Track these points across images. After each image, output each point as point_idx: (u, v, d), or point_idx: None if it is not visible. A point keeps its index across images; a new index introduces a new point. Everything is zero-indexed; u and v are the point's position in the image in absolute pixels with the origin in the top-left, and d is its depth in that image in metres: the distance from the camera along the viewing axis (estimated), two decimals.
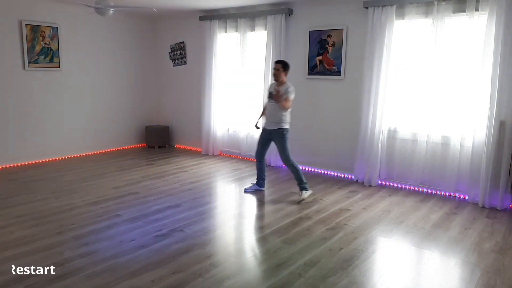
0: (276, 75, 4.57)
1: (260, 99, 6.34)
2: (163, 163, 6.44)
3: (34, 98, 6.19)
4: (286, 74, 4.59)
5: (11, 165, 6.01)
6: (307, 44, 5.89)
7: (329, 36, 5.68)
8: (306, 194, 4.65)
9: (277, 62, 4.59)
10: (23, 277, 2.81)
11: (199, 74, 7.10)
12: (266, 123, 4.74)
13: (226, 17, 6.53)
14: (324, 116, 5.90)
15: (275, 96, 4.45)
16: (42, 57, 6.20)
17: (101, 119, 7.14)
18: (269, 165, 6.33)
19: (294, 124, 6.17)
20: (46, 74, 6.30)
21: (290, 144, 6.25)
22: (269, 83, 6.16)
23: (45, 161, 6.38)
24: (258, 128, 4.91)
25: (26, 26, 5.95)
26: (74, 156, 6.74)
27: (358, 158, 5.46)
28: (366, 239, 3.59)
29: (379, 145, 5.27)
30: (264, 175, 4.98)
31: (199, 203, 4.46)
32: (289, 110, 4.60)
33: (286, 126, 4.64)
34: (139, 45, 7.57)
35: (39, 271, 2.87)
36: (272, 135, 4.68)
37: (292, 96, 4.52)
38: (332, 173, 5.90)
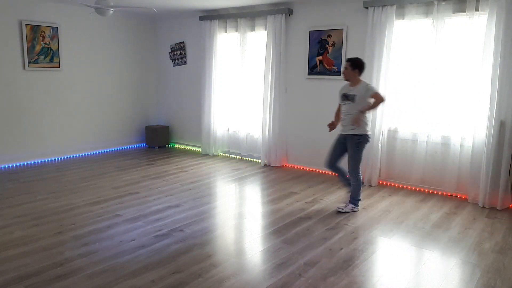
0: (345, 75, 4.13)
1: (260, 99, 6.35)
2: (163, 163, 6.44)
3: (34, 98, 6.19)
4: (358, 73, 4.08)
5: (11, 165, 6.01)
6: (307, 44, 5.89)
7: (329, 36, 5.68)
8: (349, 208, 4.27)
9: (347, 60, 4.15)
10: (23, 277, 2.81)
11: (199, 74, 7.10)
12: (342, 128, 4.23)
13: (226, 17, 6.53)
14: (324, 116, 5.87)
15: (355, 122, 4.03)
16: (42, 57, 6.19)
17: (101, 119, 7.14)
18: (269, 165, 6.33)
19: (295, 124, 6.20)
20: (46, 74, 6.30)
21: (293, 144, 6.30)
22: (269, 84, 6.17)
23: (45, 161, 6.38)
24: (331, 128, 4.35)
25: (26, 26, 5.95)
26: (74, 156, 6.74)
27: None
28: (366, 239, 3.59)
29: (379, 145, 5.27)
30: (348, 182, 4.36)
31: (199, 203, 4.46)
32: (367, 113, 4.13)
33: (364, 131, 4.12)
34: (139, 45, 7.57)
35: (39, 271, 2.87)
36: (347, 140, 4.20)
37: (377, 90, 4.21)
38: (332, 173, 5.89)
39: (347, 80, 4.16)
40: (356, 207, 4.31)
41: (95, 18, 6.45)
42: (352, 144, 4.14)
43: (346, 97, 4.14)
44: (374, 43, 5.10)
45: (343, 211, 4.25)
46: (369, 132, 4.19)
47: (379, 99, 4.03)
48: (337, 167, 4.37)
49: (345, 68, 4.10)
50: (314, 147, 6.04)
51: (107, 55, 7.07)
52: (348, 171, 4.25)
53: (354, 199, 4.30)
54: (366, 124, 4.13)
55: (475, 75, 4.57)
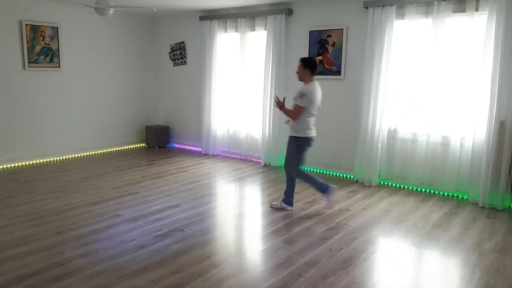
0: (298, 74, 4.09)
1: (260, 99, 6.35)
2: (163, 163, 6.44)
3: (34, 98, 6.19)
4: (310, 72, 4.01)
5: (11, 165, 6.01)
6: (307, 44, 5.89)
7: (329, 36, 5.68)
8: (279, 205, 4.32)
9: (299, 60, 4.09)
10: (23, 277, 2.81)
11: (199, 74, 7.10)
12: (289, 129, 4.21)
13: (226, 17, 6.53)
14: (324, 116, 5.88)
15: (278, 104, 4.11)
16: (42, 57, 6.19)
17: (101, 119, 7.14)
18: (269, 165, 6.33)
19: None
20: (46, 74, 6.30)
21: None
22: (269, 84, 6.17)
23: (45, 161, 6.38)
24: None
25: (26, 26, 5.95)
26: (74, 156, 6.74)
27: (358, 158, 5.46)
28: (366, 239, 3.59)
29: (379, 145, 5.27)
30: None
31: (199, 203, 4.46)
32: (305, 118, 4.04)
33: (297, 134, 4.08)
34: (139, 45, 7.57)
35: (39, 271, 2.87)
36: (289, 141, 4.22)
37: (301, 103, 3.94)
38: (332, 173, 5.90)
39: (300, 80, 4.12)
40: (289, 207, 4.30)
41: (95, 18, 6.45)
42: (292, 144, 4.13)
43: (295, 97, 4.09)
44: (374, 43, 5.10)
45: (274, 206, 4.30)
46: (312, 136, 4.12)
47: (292, 112, 4.01)
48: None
49: (298, 67, 4.08)
50: (314, 147, 6.01)
51: (107, 55, 7.07)
52: (285, 171, 4.26)
53: (287, 200, 4.31)
54: (307, 127, 4.06)
55: (475, 75, 4.58)
